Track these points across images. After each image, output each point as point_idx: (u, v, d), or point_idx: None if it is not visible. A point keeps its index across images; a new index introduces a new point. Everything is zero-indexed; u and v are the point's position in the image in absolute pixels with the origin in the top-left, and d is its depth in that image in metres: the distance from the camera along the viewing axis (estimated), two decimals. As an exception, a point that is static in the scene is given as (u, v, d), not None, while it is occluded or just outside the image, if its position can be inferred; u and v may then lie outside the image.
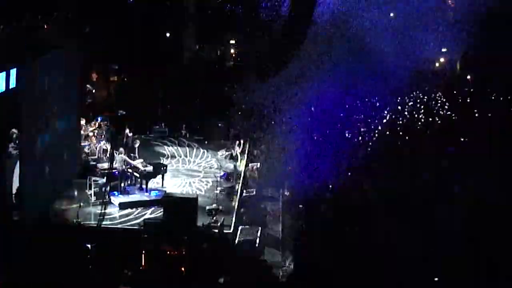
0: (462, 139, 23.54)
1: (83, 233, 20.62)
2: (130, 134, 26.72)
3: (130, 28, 28.86)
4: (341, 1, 20.03)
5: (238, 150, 26.45)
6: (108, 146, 25.59)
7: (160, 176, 24.17)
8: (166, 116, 30.93)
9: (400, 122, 26.00)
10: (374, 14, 21.71)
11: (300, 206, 20.72)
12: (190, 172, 26.37)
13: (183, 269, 19.51)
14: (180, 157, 27.93)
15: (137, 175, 23.74)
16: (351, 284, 18.17)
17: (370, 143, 24.00)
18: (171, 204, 21.38)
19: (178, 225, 20.40)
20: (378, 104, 23.21)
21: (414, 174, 21.32)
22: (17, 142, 21.21)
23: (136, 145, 25.95)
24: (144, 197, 23.16)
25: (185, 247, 19.92)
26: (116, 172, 23.52)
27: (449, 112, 26.60)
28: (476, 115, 26.51)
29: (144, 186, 23.52)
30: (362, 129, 24.12)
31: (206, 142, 29.12)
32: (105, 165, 23.93)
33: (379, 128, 24.43)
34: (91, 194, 22.76)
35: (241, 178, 24.77)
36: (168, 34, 30.85)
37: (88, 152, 25.91)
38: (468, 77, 28.49)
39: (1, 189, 20.93)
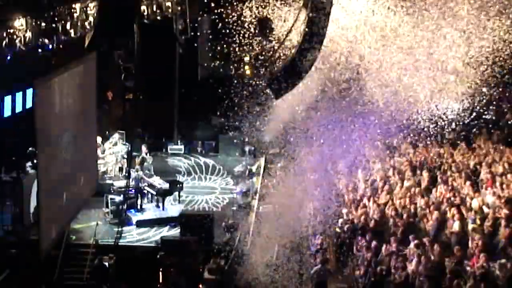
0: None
1: (100, 251, 20.69)
2: (146, 152, 26.81)
3: (145, 46, 29.02)
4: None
5: (254, 166, 26.49)
6: (124, 164, 25.68)
7: (176, 194, 24.25)
8: (182, 133, 31.03)
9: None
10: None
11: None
12: (206, 188, 26.43)
13: (200, 286, 19.53)
14: (196, 174, 28.00)
15: (154, 192, 23.81)
16: None
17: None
18: (188, 221, 21.44)
19: (195, 242, 20.45)
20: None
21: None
22: (34, 161, 21.39)
23: (151, 162, 26.07)
24: (161, 214, 23.22)
25: (202, 264, 19.98)
26: (133, 190, 23.61)
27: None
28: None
29: (160, 204, 23.57)
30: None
31: (221, 158, 29.20)
32: (122, 183, 24.02)
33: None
34: (108, 212, 22.86)
35: (257, 194, 24.77)
36: (182, 51, 30.94)
37: (104, 170, 26.00)
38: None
39: (19, 208, 21.17)
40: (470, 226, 19.22)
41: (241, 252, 19.99)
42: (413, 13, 20.40)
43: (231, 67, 29.27)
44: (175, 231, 21.96)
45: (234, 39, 26.96)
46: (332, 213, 20.73)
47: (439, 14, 20.45)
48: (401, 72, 21.24)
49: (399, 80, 21.59)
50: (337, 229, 20.49)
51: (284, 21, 22.88)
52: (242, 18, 26.37)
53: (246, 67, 30.33)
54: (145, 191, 23.98)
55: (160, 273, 19.92)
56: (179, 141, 30.59)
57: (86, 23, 28.08)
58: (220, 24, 27.96)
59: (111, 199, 23.01)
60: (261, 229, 20.93)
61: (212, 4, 28.55)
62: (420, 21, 20.84)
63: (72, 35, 29.08)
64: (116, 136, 27.34)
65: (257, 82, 25.84)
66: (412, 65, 21.30)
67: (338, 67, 20.25)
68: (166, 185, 23.90)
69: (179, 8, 30.19)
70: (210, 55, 30.95)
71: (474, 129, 27.06)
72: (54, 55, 26.76)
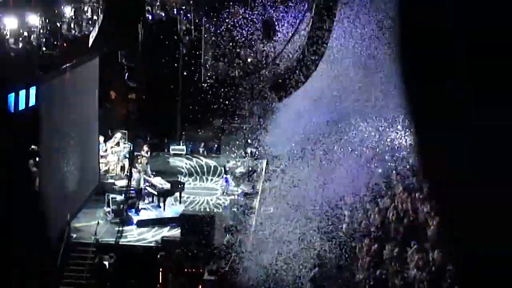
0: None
1: (100, 250, 20.68)
2: (148, 152, 26.79)
3: (148, 47, 29.05)
4: None
5: (256, 168, 26.50)
6: (126, 164, 25.66)
7: (177, 194, 24.23)
8: (184, 134, 31.00)
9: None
10: None
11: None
12: (208, 190, 26.40)
13: (200, 287, 19.53)
14: (198, 174, 27.95)
15: (155, 192, 23.79)
16: None
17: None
18: (189, 222, 21.41)
19: (195, 243, 20.45)
20: None
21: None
22: (37, 159, 21.39)
23: (146, 162, 26.01)
24: (161, 214, 23.20)
25: (202, 265, 19.96)
26: (134, 190, 23.59)
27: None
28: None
29: (161, 204, 23.55)
30: None
31: (223, 160, 29.15)
32: (123, 182, 24.00)
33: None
34: (109, 212, 22.83)
35: (259, 196, 24.71)
36: (185, 52, 30.89)
37: (106, 170, 25.98)
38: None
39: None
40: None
41: (241, 254, 19.98)
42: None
43: (235, 68, 29.27)
44: (176, 232, 21.92)
45: (238, 41, 27.00)
46: (334, 217, 20.69)
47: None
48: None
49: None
50: (340, 233, 20.41)
51: (288, 23, 22.95)
52: (246, 20, 26.41)
53: (250, 68, 30.31)
54: (147, 191, 23.97)
55: (160, 273, 19.92)
56: (181, 142, 30.54)
57: (91, 23, 28.13)
58: (224, 26, 28.02)
59: (112, 198, 22.98)
60: (262, 231, 20.92)
61: (217, 6, 28.60)
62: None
63: (77, 34, 29.25)
64: (118, 135, 27.32)
65: (260, 84, 25.86)
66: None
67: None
68: (167, 186, 23.87)
69: (183, 9, 30.21)
70: (213, 56, 30.90)
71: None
72: (58, 53, 26.90)
